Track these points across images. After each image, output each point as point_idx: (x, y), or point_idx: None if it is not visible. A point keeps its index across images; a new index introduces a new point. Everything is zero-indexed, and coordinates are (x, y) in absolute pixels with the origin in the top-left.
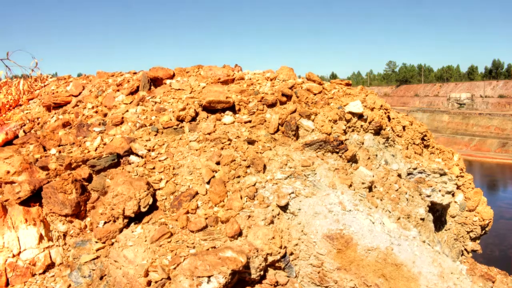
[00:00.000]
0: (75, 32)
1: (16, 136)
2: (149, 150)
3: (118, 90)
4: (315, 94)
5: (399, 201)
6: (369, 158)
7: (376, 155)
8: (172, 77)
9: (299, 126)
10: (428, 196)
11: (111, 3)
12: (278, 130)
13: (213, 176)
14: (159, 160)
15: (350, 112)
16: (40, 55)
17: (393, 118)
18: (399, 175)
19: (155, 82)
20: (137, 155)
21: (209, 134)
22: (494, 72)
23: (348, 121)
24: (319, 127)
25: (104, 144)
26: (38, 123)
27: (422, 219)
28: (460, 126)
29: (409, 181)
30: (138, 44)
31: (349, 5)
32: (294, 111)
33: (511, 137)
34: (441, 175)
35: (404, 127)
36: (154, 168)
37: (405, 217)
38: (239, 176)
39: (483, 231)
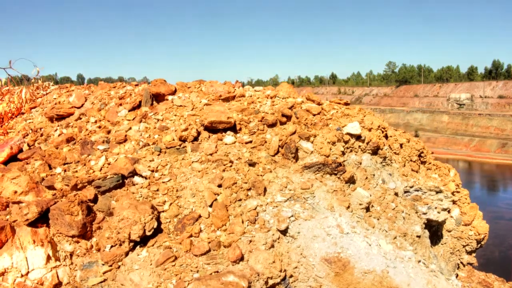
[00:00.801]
0: (76, 32)
1: (21, 150)
2: (152, 171)
3: (120, 104)
4: (314, 115)
5: (395, 220)
6: (366, 178)
7: (374, 175)
8: (174, 92)
9: (298, 148)
10: (424, 213)
11: (111, 3)
12: (278, 152)
13: (215, 199)
14: (163, 182)
15: (348, 133)
16: (40, 55)
17: (391, 136)
18: (396, 194)
19: (157, 97)
20: (141, 175)
21: (211, 155)
22: (494, 73)
23: (346, 142)
24: (318, 149)
25: (109, 163)
26: (41, 134)
27: (418, 237)
28: (459, 127)
29: (405, 199)
30: (138, 44)
31: (349, 5)
32: (294, 133)
33: (510, 137)
34: (437, 192)
35: (401, 145)
36: (158, 190)
37: (401, 236)
38: (240, 199)
39: (479, 245)
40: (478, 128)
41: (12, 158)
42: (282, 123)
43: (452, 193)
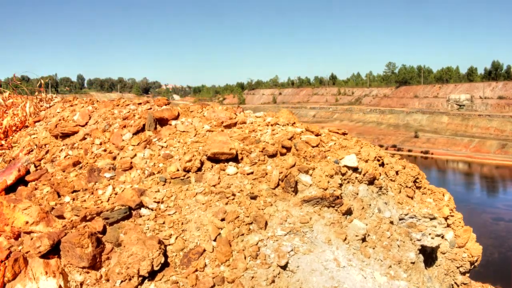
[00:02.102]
0: (76, 32)
1: (28, 171)
2: (158, 202)
3: (125, 126)
4: (313, 147)
5: (391, 248)
6: (363, 208)
7: (370, 205)
8: (177, 117)
9: (298, 181)
10: (419, 240)
11: (111, 3)
12: (278, 185)
13: (219, 234)
14: (169, 214)
15: (345, 166)
16: (40, 55)
17: (387, 164)
18: (391, 222)
19: (161, 121)
20: (147, 207)
21: (214, 186)
22: (494, 73)
23: (343, 174)
24: (316, 182)
25: (116, 193)
26: (47, 152)
27: (413, 263)
28: (459, 128)
29: (400, 227)
30: (138, 44)
31: (349, 6)
32: (294, 165)
33: (510, 138)
34: (431, 219)
35: (397, 172)
36: (164, 223)
37: (396, 264)
38: (242, 234)
39: (472, 266)
40: (478, 129)
41: (20, 180)
42: (282, 154)
43: (446, 218)
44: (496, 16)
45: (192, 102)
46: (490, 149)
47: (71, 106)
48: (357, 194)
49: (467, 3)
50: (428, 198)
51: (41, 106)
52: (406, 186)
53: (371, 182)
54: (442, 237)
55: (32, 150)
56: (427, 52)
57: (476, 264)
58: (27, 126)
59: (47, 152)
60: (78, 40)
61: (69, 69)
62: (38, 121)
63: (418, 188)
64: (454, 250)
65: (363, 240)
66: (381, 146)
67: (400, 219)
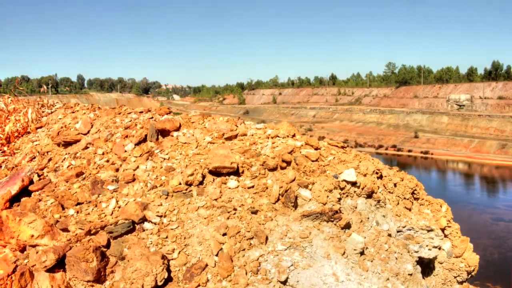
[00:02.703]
0: (75, 32)
1: (31, 181)
2: (161, 216)
3: (127, 136)
4: (312, 161)
5: (388, 260)
6: (361, 221)
7: (368, 218)
8: (178, 128)
9: (297, 196)
10: (416, 251)
11: (111, 3)
12: (278, 199)
13: (221, 249)
14: (171, 229)
15: (344, 180)
16: (40, 55)
17: (385, 176)
18: (389, 235)
19: (163, 132)
20: (150, 221)
21: (215, 200)
22: (494, 74)
23: (342, 188)
24: (316, 197)
25: (119, 207)
26: (49, 160)
27: (410, 275)
28: (459, 128)
29: (398, 239)
30: (138, 44)
31: (349, 6)
32: (293, 180)
33: (510, 138)
34: (428, 231)
35: (395, 184)
36: (167, 238)
37: (393, 276)
38: (244, 249)
39: (469, 276)
40: (477, 129)
41: (24, 190)
42: (282, 168)
43: (444, 228)
44: (496, 16)
45: (192, 102)
46: (490, 149)
47: (73, 112)
48: (356, 207)
49: (467, 3)
50: (425, 209)
51: (43, 112)
52: (404, 198)
53: (369, 195)
54: (439, 248)
55: (34, 157)
56: (427, 52)
57: (473, 273)
58: (29, 132)
59: (49, 160)
60: (78, 40)
61: (69, 69)
62: (40, 127)
63: (416, 199)
64: (451, 260)
65: (361, 253)
66: (381, 146)
67: (397, 231)
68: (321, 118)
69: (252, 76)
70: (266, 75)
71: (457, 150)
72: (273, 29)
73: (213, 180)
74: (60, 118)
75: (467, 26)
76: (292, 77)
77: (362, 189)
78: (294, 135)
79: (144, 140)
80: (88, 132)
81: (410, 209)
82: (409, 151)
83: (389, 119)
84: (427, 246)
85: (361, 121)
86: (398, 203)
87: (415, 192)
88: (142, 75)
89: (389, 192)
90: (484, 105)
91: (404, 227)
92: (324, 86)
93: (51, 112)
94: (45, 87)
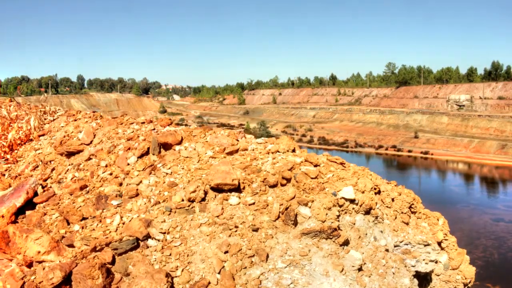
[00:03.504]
0: (75, 32)
1: (36, 193)
2: (164, 233)
3: (129, 148)
4: (312, 179)
5: (386, 275)
6: (360, 237)
7: (366, 234)
8: (180, 142)
9: (297, 214)
10: (413, 266)
11: (111, 3)
12: (279, 217)
13: (223, 267)
14: (175, 246)
15: (343, 198)
16: (40, 55)
17: (383, 191)
18: (387, 250)
19: (165, 146)
20: (154, 238)
21: (217, 217)
22: (494, 74)
23: (341, 206)
24: (315, 215)
25: (123, 223)
26: (52, 169)
27: None
28: (459, 128)
29: (395, 254)
30: (138, 44)
31: (349, 6)
32: (293, 197)
33: (510, 139)
34: (425, 245)
35: (393, 199)
36: (170, 255)
37: None
38: (245, 267)
39: (466, 287)
40: (477, 129)
41: (29, 202)
42: (282, 185)
43: (440, 242)
44: (496, 16)
45: (192, 102)
46: (490, 150)
47: (75, 120)
48: (354, 224)
49: (467, 3)
50: (423, 223)
51: (45, 119)
52: (402, 212)
53: (367, 212)
54: (436, 262)
55: (37, 166)
56: (427, 52)
57: (469, 285)
58: (31, 140)
59: (52, 170)
60: (78, 40)
61: (69, 69)
62: (43, 135)
63: (413, 213)
64: (448, 272)
65: (359, 269)
66: (381, 146)
67: (395, 246)
68: (321, 118)
69: (252, 76)
70: (266, 75)
71: (457, 150)
72: (273, 29)
73: (215, 197)
74: (62, 126)
75: (467, 27)
76: (292, 77)
77: (360, 206)
78: (294, 150)
79: (147, 153)
80: (91, 142)
81: (407, 223)
82: (409, 151)
83: (389, 119)
84: (423, 260)
85: (361, 121)
86: (395, 218)
87: (412, 206)
88: (142, 75)
89: (387, 207)
90: (484, 105)
91: (401, 242)
92: (324, 86)
93: (53, 120)
94: (45, 95)
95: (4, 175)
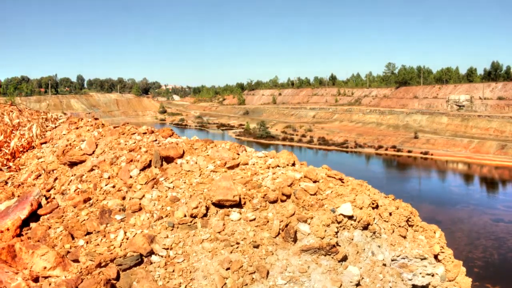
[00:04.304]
0: (75, 32)
1: (40, 205)
2: (167, 249)
3: (131, 160)
4: (311, 195)
5: None
6: (357, 252)
7: (364, 249)
8: (182, 155)
9: (297, 230)
10: (410, 279)
11: (111, 3)
12: (279, 233)
13: (225, 283)
14: (177, 262)
15: (341, 214)
16: (40, 55)
17: (381, 206)
18: (384, 264)
19: (167, 159)
20: (157, 254)
21: (219, 233)
22: (493, 74)
23: (339, 222)
24: (314, 231)
25: (127, 238)
26: (55, 179)
27: None
28: (459, 128)
29: (392, 268)
30: (138, 44)
31: (349, 6)
32: (293, 214)
33: (510, 139)
34: (422, 259)
35: (390, 213)
36: (173, 271)
37: None
38: (246, 284)
39: None
40: (477, 129)
41: (33, 214)
42: (282, 201)
43: (437, 254)
44: (495, 16)
45: (192, 103)
46: (489, 150)
47: (77, 128)
48: (352, 239)
49: (467, 3)
50: (420, 235)
51: (47, 126)
52: (399, 226)
53: (365, 227)
54: (433, 275)
55: (40, 175)
56: (427, 53)
57: None
58: (33, 147)
59: (55, 179)
60: (78, 40)
61: (69, 69)
62: (45, 142)
63: (411, 226)
64: (444, 284)
65: (357, 284)
66: (380, 147)
67: (392, 260)
68: (321, 118)
69: (251, 76)
70: (266, 75)
71: (457, 150)
72: (273, 29)
73: (217, 212)
74: (64, 134)
75: (466, 27)
76: (292, 77)
77: (359, 222)
78: (294, 164)
79: (149, 165)
80: (93, 152)
81: (405, 237)
82: (409, 151)
83: (388, 119)
84: (420, 273)
85: (361, 121)
86: (393, 231)
87: (409, 219)
88: (142, 75)
89: (385, 221)
90: (484, 105)
91: (398, 256)
92: (324, 86)
93: (55, 127)
94: (48, 103)
95: (7, 183)
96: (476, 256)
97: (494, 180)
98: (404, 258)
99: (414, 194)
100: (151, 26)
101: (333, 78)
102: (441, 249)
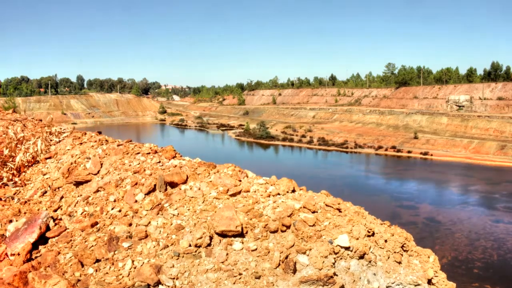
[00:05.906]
0: (75, 32)
1: (48, 227)
2: (173, 279)
3: (136, 184)
4: (310, 226)
5: None
6: (354, 281)
7: (360, 278)
8: (185, 181)
9: (296, 262)
10: None
11: (111, 3)
12: (279, 265)
13: None
14: None
15: (338, 245)
16: (40, 55)
17: (377, 233)
18: None
19: (171, 184)
20: (164, 284)
21: (222, 263)
22: (493, 74)
23: (336, 253)
24: (312, 263)
25: (135, 267)
26: (61, 198)
27: None
28: (459, 129)
29: None
30: (138, 44)
31: (349, 6)
32: (293, 245)
33: (510, 139)
34: (415, 286)
35: (386, 240)
36: None
37: None
38: None
39: None
40: (477, 130)
41: (42, 237)
42: (282, 231)
43: (431, 278)
44: (495, 16)
45: (191, 103)
46: (489, 150)
47: (81, 144)
48: (349, 268)
49: (467, 4)
50: (414, 260)
51: (51, 140)
52: (394, 252)
53: (361, 256)
54: None
55: (46, 192)
56: (427, 53)
57: None
58: (38, 162)
59: (61, 198)
60: (78, 40)
61: (69, 69)
62: (49, 157)
63: (406, 251)
64: None
65: None
66: (380, 147)
67: (387, 287)
68: (321, 118)
69: (251, 76)
70: (266, 75)
71: (457, 151)
72: (273, 29)
73: (220, 241)
74: (68, 149)
75: (466, 27)
76: (292, 77)
77: (355, 252)
78: (293, 190)
79: (154, 189)
80: (98, 172)
81: (400, 262)
82: (409, 152)
83: (388, 120)
84: None
85: (361, 121)
86: (388, 258)
87: (404, 245)
88: (142, 75)
89: (380, 247)
90: (484, 105)
91: (393, 283)
92: (323, 86)
93: (59, 141)
94: (51, 117)
95: (13, 198)
96: (476, 257)
97: (493, 180)
98: (398, 285)
99: (414, 194)
100: (151, 26)
101: (333, 78)
102: (435, 274)
